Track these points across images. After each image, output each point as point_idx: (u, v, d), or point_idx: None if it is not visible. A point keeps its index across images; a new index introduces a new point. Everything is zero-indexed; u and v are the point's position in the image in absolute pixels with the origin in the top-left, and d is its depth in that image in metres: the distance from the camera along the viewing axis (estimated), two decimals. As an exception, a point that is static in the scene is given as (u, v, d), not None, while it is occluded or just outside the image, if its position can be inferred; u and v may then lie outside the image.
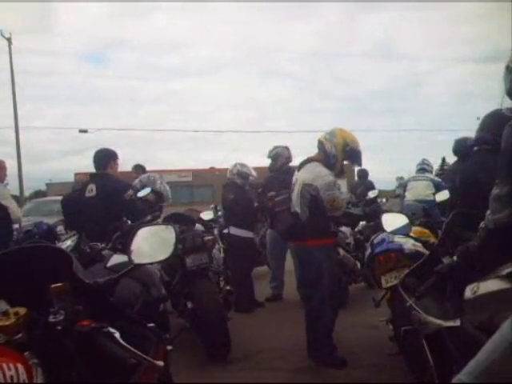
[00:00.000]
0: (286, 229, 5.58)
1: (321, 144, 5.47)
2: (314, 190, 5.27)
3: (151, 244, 2.83)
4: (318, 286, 5.35)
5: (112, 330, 2.16)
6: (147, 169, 10.79)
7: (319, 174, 5.34)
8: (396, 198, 10.30)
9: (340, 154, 5.43)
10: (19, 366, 1.72)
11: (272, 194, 8.14)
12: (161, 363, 2.39)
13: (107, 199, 5.99)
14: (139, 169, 10.45)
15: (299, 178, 5.45)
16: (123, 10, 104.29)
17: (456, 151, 7.61)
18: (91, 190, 6.19)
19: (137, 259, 2.66)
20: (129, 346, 2.18)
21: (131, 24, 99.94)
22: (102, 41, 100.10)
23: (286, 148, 8.70)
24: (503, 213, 2.11)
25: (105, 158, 6.36)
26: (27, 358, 1.81)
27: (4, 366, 1.66)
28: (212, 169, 51.88)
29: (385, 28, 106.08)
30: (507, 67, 2.43)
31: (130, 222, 5.27)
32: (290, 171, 8.54)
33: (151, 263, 3.14)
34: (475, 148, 4.09)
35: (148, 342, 2.78)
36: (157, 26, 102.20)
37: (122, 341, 2.16)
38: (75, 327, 2.05)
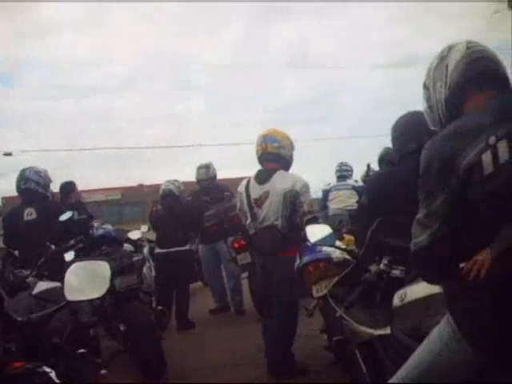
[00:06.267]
0: (272, 244, 5.35)
1: (276, 155, 5.49)
2: (294, 195, 5.27)
3: (85, 280, 2.71)
4: (293, 295, 5.38)
5: (47, 369, 2.08)
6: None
7: (295, 179, 5.44)
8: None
9: (292, 153, 5.64)
10: None
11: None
12: None
13: (48, 222, 5.79)
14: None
15: (273, 188, 5.34)
16: (24, 30, 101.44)
17: (380, 161, 7.55)
18: (30, 214, 5.98)
19: (70, 296, 2.56)
20: None
21: (34, 44, 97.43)
22: (6, 62, 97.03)
23: (211, 164, 9.00)
24: (421, 237, 2.15)
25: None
26: None
27: None
28: (141, 186, 51.39)
29: (297, 37, 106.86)
30: (424, 85, 2.47)
31: (53, 246, 5.17)
32: (218, 186, 8.80)
33: (85, 301, 3.04)
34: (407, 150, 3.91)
35: (84, 374, 2.71)
36: (62, 45, 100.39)
37: (57, 380, 2.08)
38: (7, 369, 1.96)
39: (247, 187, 5.54)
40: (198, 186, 9.10)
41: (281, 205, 5.28)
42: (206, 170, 8.83)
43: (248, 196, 5.48)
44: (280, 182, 5.34)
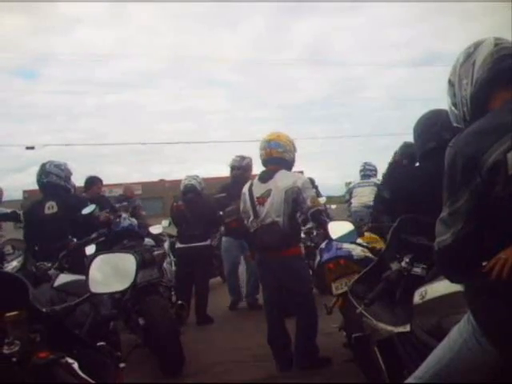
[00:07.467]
0: (273, 240, 5.40)
1: (280, 159, 5.56)
2: (296, 192, 5.33)
3: (110, 273, 2.72)
4: (309, 292, 5.55)
5: (70, 360, 2.09)
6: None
7: (296, 176, 5.56)
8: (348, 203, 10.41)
9: (294, 155, 5.70)
10: None
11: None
12: None
13: (69, 216, 5.84)
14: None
15: (275, 186, 5.42)
16: (47, 24, 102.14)
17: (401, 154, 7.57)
18: (51, 207, 6.02)
19: (94, 288, 2.57)
20: (88, 379, 2.11)
21: (57, 38, 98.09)
22: (30, 56, 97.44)
23: (249, 157, 8.84)
24: (445, 236, 2.12)
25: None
26: None
27: None
28: (162, 181, 51.59)
29: (317, 34, 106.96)
30: (449, 81, 2.43)
31: (74, 240, 5.21)
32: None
33: (110, 293, 3.04)
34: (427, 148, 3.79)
35: (105, 367, 2.72)
36: (84, 40, 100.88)
37: (80, 372, 2.09)
38: (32, 359, 1.97)
39: (250, 188, 5.68)
40: (230, 175, 8.90)
41: (283, 202, 5.35)
42: (241, 159, 8.71)
43: (251, 195, 5.60)
44: (281, 180, 5.43)
